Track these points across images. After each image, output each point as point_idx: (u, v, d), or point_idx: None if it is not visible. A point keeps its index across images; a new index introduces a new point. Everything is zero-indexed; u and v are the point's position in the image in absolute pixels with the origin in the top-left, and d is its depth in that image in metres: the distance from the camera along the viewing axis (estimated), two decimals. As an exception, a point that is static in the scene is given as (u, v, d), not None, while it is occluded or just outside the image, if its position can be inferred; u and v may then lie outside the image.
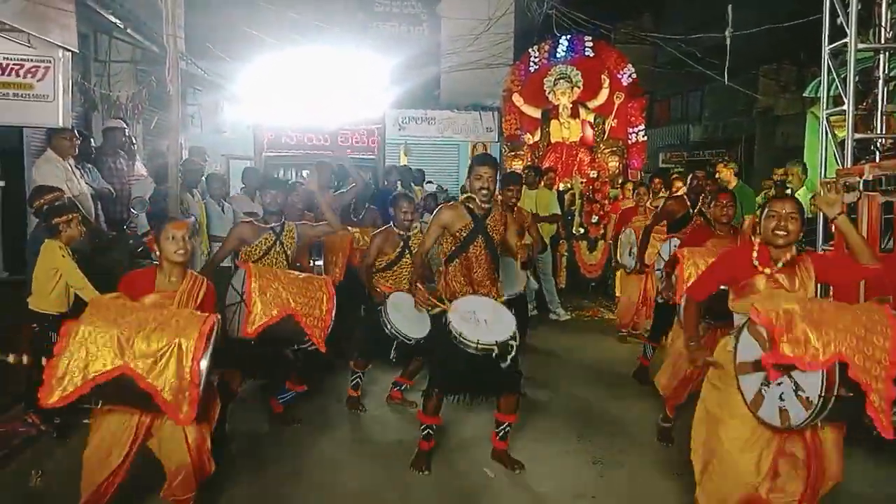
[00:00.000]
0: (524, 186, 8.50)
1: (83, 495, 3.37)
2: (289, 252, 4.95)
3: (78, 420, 4.79)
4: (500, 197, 6.02)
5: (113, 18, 7.59)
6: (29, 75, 5.84)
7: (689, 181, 6.40)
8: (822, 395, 2.80)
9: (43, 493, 3.96)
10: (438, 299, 4.37)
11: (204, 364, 3.10)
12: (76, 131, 6.23)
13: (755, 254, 3.35)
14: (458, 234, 4.28)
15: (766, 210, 3.38)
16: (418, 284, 4.45)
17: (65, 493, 3.95)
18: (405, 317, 4.92)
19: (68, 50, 6.00)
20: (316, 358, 4.79)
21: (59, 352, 3.07)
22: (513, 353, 4.08)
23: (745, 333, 3.16)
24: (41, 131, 6.36)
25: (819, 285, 3.43)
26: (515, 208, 6.14)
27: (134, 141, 7.83)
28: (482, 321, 4.10)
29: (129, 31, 8.07)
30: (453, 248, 4.32)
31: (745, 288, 3.35)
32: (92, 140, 7.33)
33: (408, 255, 5.31)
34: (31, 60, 5.83)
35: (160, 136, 9.20)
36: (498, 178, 4.61)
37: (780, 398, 2.96)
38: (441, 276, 4.44)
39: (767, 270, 3.31)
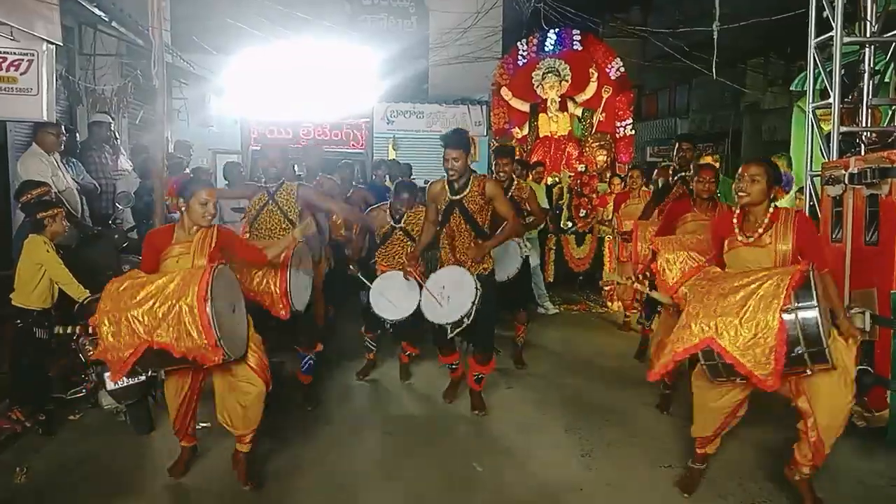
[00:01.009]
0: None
1: (171, 418, 3.94)
2: (286, 210, 4.99)
3: (63, 416, 4.79)
4: (494, 170, 6.04)
5: (98, 11, 7.50)
6: (12, 69, 5.76)
7: (675, 151, 6.43)
8: (704, 363, 3.39)
9: (28, 489, 3.92)
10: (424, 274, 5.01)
11: (210, 313, 3.31)
12: (61, 126, 6.17)
13: (735, 218, 3.67)
14: (440, 206, 4.79)
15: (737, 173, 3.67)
16: (408, 259, 5.04)
17: (50, 488, 3.94)
18: (388, 301, 5.26)
19: (52, 43, 5.92)
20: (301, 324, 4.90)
21: (100, 341, 3.40)
22: (465, 322, 4.60)
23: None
24: (25, 125, 6.30)
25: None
26: (516, 182, 6.10)
27: (118, 136, 7.77)
28: (445, 297, 4.67)
29: (114, 24, 7.98)
30: (439, 220, 4.83)
31: (730, 244, 3.67)
32: (77, 134, 7.27)
33: (399, 233, 5.67)
34: (15, 54, 5.75)
35: (146, 131, 9.14)
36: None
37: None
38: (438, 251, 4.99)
39: (741, 238, 3.60)
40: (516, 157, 10.90)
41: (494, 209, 4.77)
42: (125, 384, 4.23)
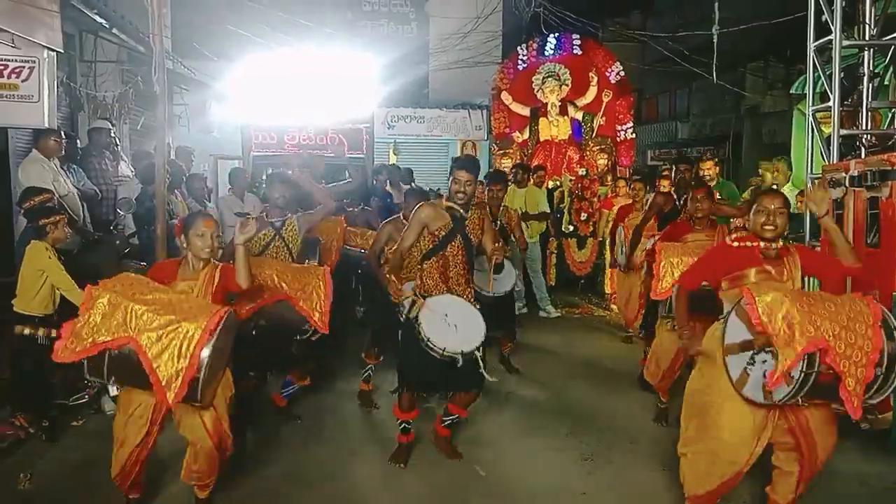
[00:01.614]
0: (514, 185, 8.54)
1: (114, 469, 3.53)
2: (291, 247, 4.98)
3: (66, 422, 4.80)
4: (486, 195, 6.07)
5: (98, 18, 7.53)
6: (13, 76, 5.79)
7: (674, 176, 6.46)
8: (804, 371, 2.97)
9: (32, 495, 3.93)
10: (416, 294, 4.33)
11: (206, 353, 3.19)
12: (62, 132, 6.19)
13: (761, 249, 3.50)
14: (436, 232, 4.32)
15: (756, 205, 3.55)
16: (392, 277, 4.32)
17: (54, 494, 3.95)
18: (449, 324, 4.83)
19: (53, 50, 5.95)
20: (316, 349, 4.82)
21: (81, 312, 3.25)
22: (476, 360, 4.12)
23: (732, 316, 3.36)
24: (26, 132, 6.32)
25: (806, 278, 3.61)
26: (503, 207, 6.18)
27: (119, 142, 7.79)
28: (452, 326, 4.10)
29: (114, 30, 8.00)
30: (431, 246, 4.35)
31: (739, 278, 3.51)
32: (78, 141, 7.30)
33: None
34: (16, 61, 5.78)
35: (147, 137, 9.17)
36: (481, 178, 4.65)
37: (764, 376, 3.10)
38: (417, 273, 4.46)
39: (759, 272, 3.47)
40: (518, 161, 11.02)
41: (480, 241, 4.48)
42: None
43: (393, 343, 5.04)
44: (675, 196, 6.30)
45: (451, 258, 4.35)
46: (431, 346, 4.02)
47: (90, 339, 3.20)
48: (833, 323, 3.00)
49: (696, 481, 3.46)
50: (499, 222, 6.08)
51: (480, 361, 4.16)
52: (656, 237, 5.84)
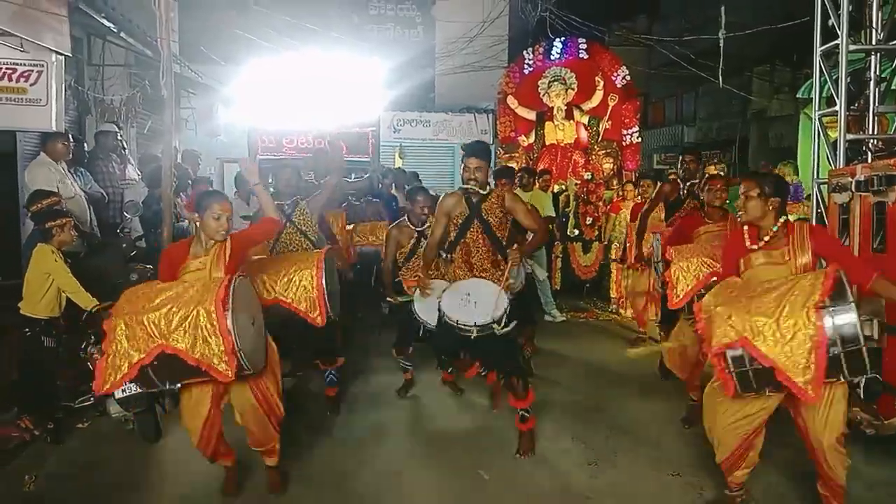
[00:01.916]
0: (520, 189, 8.53)
1: (192, 440, 3.72)
2: (306, 230, 5.04)
3: (72, 424, 4.81)
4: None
5: (106, 22, 7.58)
6: (22, 79, 5.83)
7: (679, 164, 6.47)
8: (732, 370, 3.18)
9: (37, 497, 3.94)
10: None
11: (229, 321, 3.27)
12: (70, 135, 6.22)
13: (746, 234, 3.66)
14: (455, 220, 4.45)
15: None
16: (420, 274, 4.68)
17: (59, 496, 3.96)
18: (429, 307, 4.97)
19: (61, 54, 5.99)
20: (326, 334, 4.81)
21: (107, 347, 3.32)
22: (502, 338, 4.25)
23: None
24: (34, 135, 6.35)
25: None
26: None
27: (126, 145, 7.82)
28: (471, 303, 4.29)
29: (122, 34, 8.05)
30: (453, 235, 4.48)
31: (746, 264, 3.63)
32: (86, 144, 7.33)
33: (423, 246, 5.42)
34: (24, 65, 5.82)
35: (154, 140, 9.20)
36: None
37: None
38: (450, 267, 4.60)
39: (755, 247, 3.60)
40: (523, 165, 11.02)
41: (514, 222, 4.56)
42: (134, 392, 4.22)
43: (411, 335, 5.36)
44: (680, 185, 6.33)
45: (472, 243, 4.47)
46: (448, 318, 4.26)
47: (126, 364, 3.28)
48: (760, 317, 3.10)
49: (718, 446, 3.63)
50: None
51: (499, 331, 4.22)
52: (660, 233, 5.89)
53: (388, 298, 5.61)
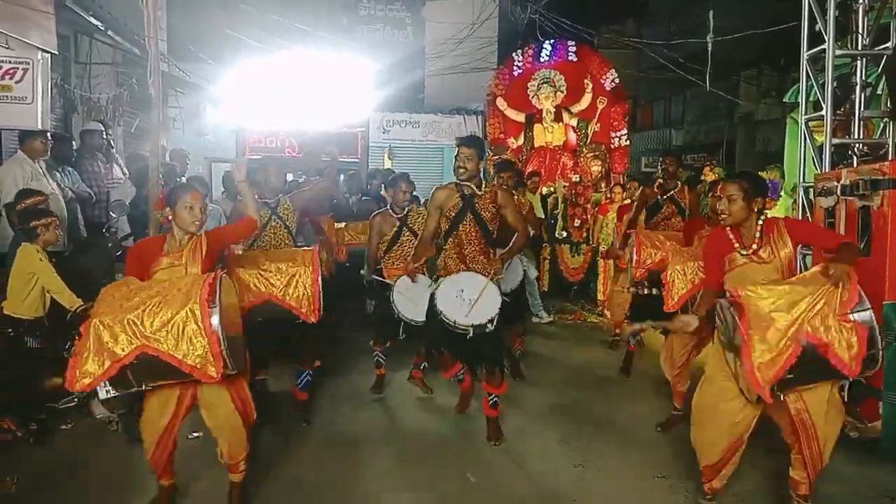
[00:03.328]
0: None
1: (146, 454, 3.55)
2: (289, 224, 5.08)
3: (55, 425, 4.77)
4: (495, 181, 6.09)
5: (94, 20, 7.54)
6: (7, 77, 5.80)
7: (659, 166, 6.47)
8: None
9: (20, 498, 3.90)
10: (433, 279, 4.63)
11: (215, 320, 3.17)
12: (48, 133, 6.15)
13: (730, 236, 3.68)
14: (448, 213, 4.52)
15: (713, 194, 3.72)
16: (412, 263, 4.78)
17: (42, 498, 3.92)
18: (410, 301, 5.11)
19: (47, 52, 5.95)
20: (318, 330, 4.78)
21: (81, 346, 3.18)
22: (491, 334, 4.38)
23: (716, 317, 3.53)
24: (17, 134, 6.30)
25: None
26: (516, 199, 6.16)
27: (113, 144, 7.77)
28: (467, 300, 4.37)
29: (109, 32, 8.01)
30: (446, 227, 4.55)
31: (731, 263, 3.67)
32: (73, 143, 7.28)
33: (406, 233, 5.60)
34: (10, 62, 5.78)
35: (141, 139, 9.15)
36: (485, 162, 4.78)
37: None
38: (441, 257, 4.67)
39: (742, 251, 3.63)
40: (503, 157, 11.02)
41: (503, 219, 4.61)
42: (117, 393, 4.18)
43: (392, 330, 5.46)
44: (659, 188, 6.33)
45: (465, 236, 4.54)
46: (444, 317, 4.34)
47: (104, 362, 3.16)
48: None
49: (704, 452, 3.65)
50: None
51: (490, 330, 4.36)
52: (633, 233, 5.96)
53: (361, 272, 5.80)
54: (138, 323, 3.15)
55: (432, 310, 4.44)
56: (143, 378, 3.29)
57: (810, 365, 3.14)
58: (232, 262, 4.35)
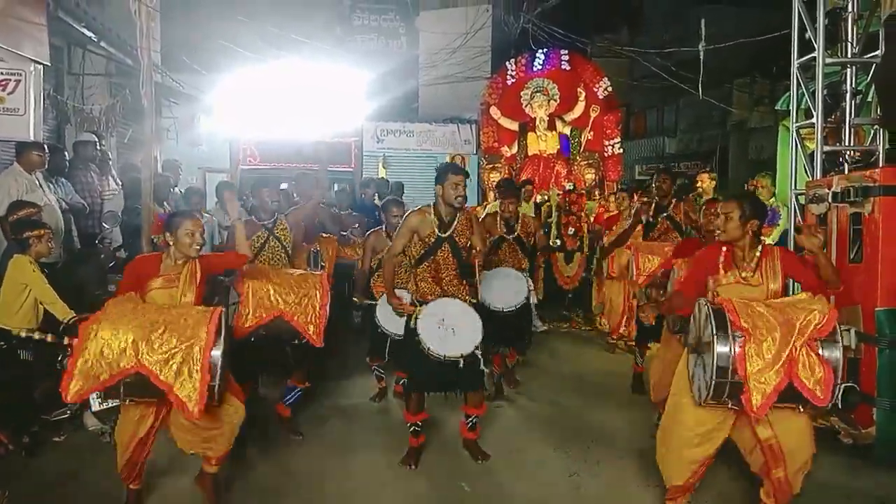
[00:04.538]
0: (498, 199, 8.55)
1: (118, 466, 3.66)
2: (286, 245, 5.10)
3: (48, 437, 4.74)
4: (500, 208, 6.10)
5: (87, 31, 7.54)
6: (-1, 88, 5.79)
7: (653, 182, 6.48)
8: (714, 378, 3.22)
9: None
10: (413, 303, 4.53)
11: (217, 353, 3.31)
12: (44, 145, 6.14)
13: (721, 256, 3.70)
14: (426, 238, 4.47)
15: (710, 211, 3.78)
16: (394, 290, 4.62)
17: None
18: (395, 316, 4.98)
19: (40, 63, 5.95)
20: (312, 351, 4.75)
21: (78, 351, 3.24)
22: (476, 359, 4.37)
23: (691, 319, 3.61)
24: (12, 144, 6.28)
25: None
26: (522, 215, 6.24)
27: (109, 156, 7.76)
28: (449, 330, 4.32)
29: (102, 43, 8.01)
30: (422, 251, 4.50)
31: (716, 282, 3.68)
32: (66, 154, 7.25)
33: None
34: (2, 73, 5.79)
35: (134, 150, 9.12)
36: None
37: (700, 377, 3.40)
38: (412, 278, 4.62)
39: (731, 275, 3.66)
40: (504, 176, 11.05)
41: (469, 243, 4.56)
42: (110, 405, 4.16)
43: (380, 349, 5.55)
44: (653, 205, 6.32)
45: (443, 262, 4.51)
46: (432, 353, 4.26)
47: (104, 375, 3.23)
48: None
49: (670, 473, 3.69)
50: (515, 233, 6.10)
51: (480, 359, 4.39)
52: (634, 248, 6.01)
53: (354, 298, 5.80)
54: (144, 343, 3.24)
55: (416, 346, 4.32)
56: (132, 393, 3.37)
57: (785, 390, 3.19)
58: (247, 276, 4.47)
